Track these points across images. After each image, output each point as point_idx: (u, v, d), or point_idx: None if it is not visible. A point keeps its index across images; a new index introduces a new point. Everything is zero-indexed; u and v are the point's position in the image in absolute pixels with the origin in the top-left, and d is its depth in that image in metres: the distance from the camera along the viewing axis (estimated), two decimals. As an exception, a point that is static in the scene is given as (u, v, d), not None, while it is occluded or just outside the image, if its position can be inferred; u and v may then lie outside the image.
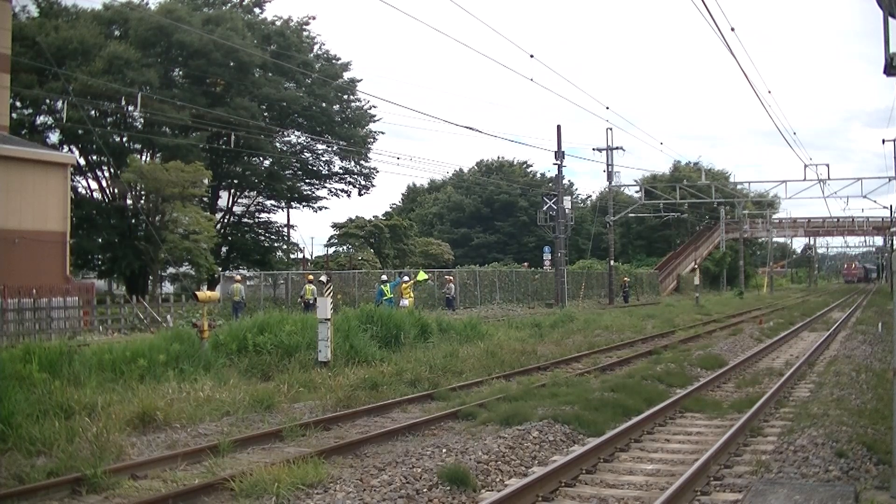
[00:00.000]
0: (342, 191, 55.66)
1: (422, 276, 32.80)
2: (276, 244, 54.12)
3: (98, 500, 7.77)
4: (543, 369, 16.83)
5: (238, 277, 29.54)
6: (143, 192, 38.62)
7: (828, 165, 77.71)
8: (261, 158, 48.41)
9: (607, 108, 67.97)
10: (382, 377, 14.24)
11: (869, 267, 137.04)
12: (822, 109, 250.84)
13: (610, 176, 52.65)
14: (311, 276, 30.32)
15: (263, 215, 54.93)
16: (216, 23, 44.31)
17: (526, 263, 58.24)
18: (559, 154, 43.39)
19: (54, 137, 42.85)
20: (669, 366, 16.29)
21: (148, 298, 31.88)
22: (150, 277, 40.06)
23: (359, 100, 52.40)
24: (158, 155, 42.73)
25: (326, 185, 55.42)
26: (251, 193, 52.42)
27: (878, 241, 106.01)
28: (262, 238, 54.14)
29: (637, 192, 68.00)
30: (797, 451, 8.68)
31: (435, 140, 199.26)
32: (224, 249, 49.18)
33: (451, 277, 37.64)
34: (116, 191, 42.58)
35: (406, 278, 31.52)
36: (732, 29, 21.44)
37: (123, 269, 41.69)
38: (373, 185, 55.75)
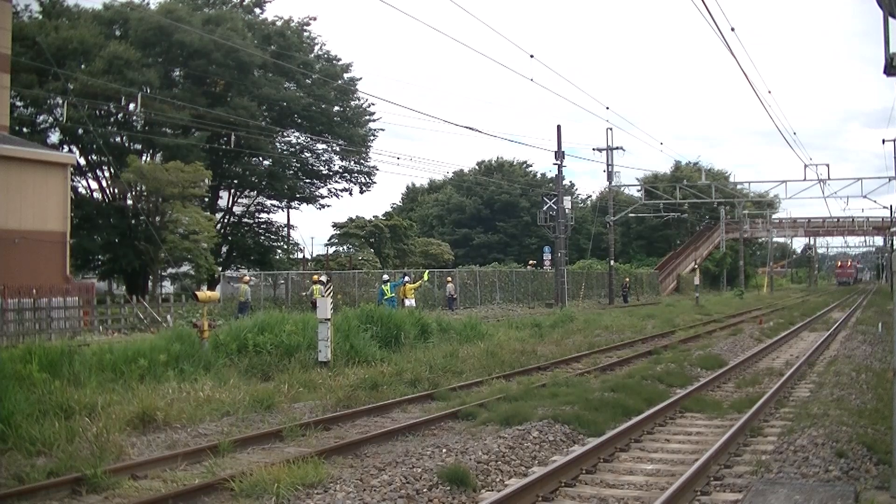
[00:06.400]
0: (343, 189, 55.70)
1: (426, 277, 33.09)
2: (276, 244, 54.10)
3: (98, 500, 7.77)
4: (543, 369, 16.83)
5: (245, 278, 29.64)
6: (143, 193, 38.56)
7: (828, 165, 77.54)
8: (261, 158, 48.38)
9: (607, 108, 67.92)
10: (382, 377, 14.24)
11: (857, 266, 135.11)
12: (821, 109, 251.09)
13: (610, 176, 52.73)
14: (316, 277, 30.42)
15: (263, 215, 54.90)
16: (216, 23, 44.26)
17: (532, 262, 58.05)
18: (559, 154, 43.42)
19: (54, 137, 42.78)
20: (669, 366, 16.29)
21: (148, 298, 31.84)
22: (150, 277, 40.04)
23: (358, 99, 52.46)
24: (158, 155, 42.68)
25: (327, 184, 55.46)
26: (251, 193, 52.38)
27: (879, 241, 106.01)
28: (262, 238, 54.12)
29: (638, 191, 68.01)
30: (797, 451, 8.68)
31: (435, 140, 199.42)
32: (224, 249, 49.11)
33: (451, 278, 38.05)
34: (116, 191, 42.50)
35: (406, 279, 31.55)
36: (732, 29, 21.47)
37: (124, 269, 41.67)
38: (373, 183, 55.74)
